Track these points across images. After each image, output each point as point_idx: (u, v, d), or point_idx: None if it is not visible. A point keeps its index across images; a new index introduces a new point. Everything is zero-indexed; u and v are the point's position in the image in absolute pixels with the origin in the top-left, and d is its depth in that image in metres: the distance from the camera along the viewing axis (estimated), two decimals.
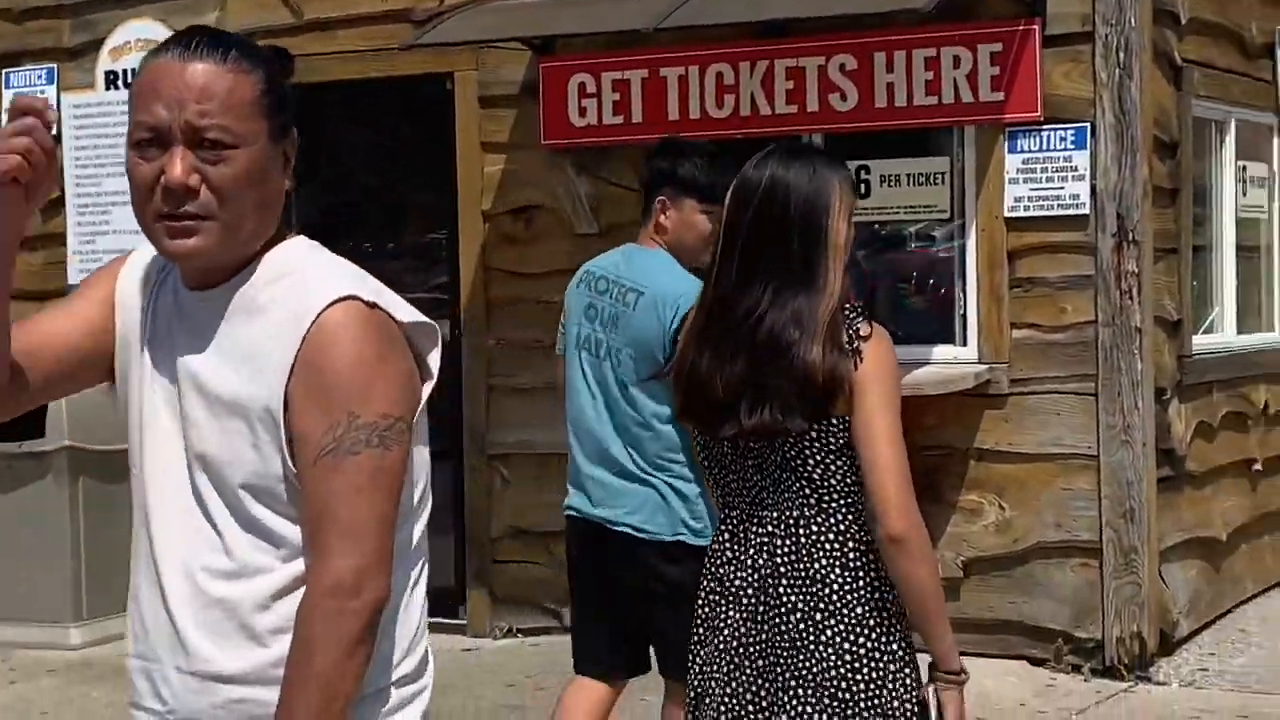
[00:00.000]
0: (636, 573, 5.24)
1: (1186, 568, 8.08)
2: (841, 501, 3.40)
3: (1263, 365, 9.13)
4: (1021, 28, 7.63)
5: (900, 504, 3.28)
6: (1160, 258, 7.84)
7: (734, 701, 3.45)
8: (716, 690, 3.49)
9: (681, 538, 5.14)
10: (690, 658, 3.61)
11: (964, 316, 7.90)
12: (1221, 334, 8.79)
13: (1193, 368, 8.24)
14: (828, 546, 3.39)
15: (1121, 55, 7.52)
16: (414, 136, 9.16)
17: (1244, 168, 8.97)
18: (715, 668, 3.51)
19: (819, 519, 3.40)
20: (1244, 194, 8.98)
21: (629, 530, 5.23)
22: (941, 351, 7.91)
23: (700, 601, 3.60)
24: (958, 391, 7.69)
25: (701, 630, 3.58)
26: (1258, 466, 8.99)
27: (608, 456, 5.32)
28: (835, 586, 3.36)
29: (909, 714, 3.37)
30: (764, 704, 3.41)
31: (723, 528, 3.58)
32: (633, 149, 8.33)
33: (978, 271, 7.84)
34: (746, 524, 3.50)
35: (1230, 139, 8.77)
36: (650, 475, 5.23)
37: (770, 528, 3.44)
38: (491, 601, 8.86)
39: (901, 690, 3.37)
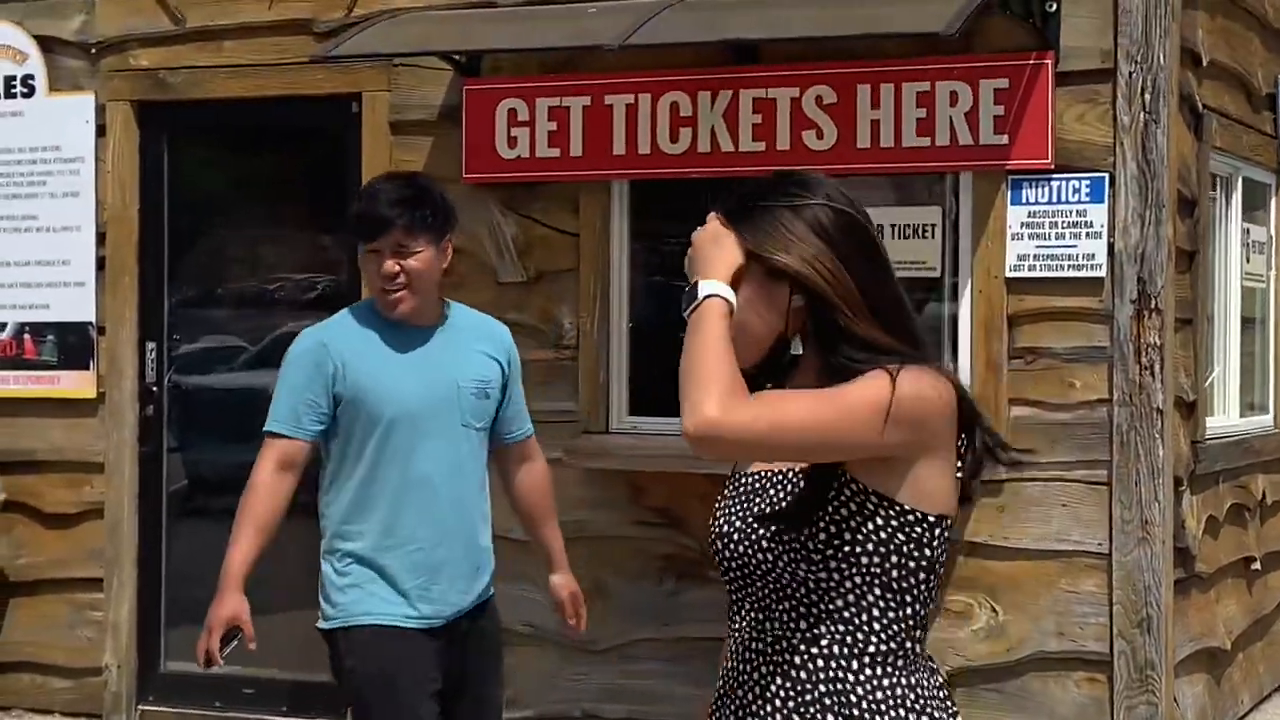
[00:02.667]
0: None
1: (1194, 683, 7.42)
2: None
3: (1262, 452, 8.54)
4: (1032, 62, 6.96)
5: None
6: (1177, 329, 7.15)
7: None
8: None
9: None
10: None
11: None
12: (1225, 416, 8.15)
13: (1206, 454, 7.58)
14: None
15: (1147, 98, 6.86)
16: (313, 164, 8.43)
17: (1247, 230, 8.40)
18: None
19: None
20: (1247, 260, 8.40)
21: None
22: None
23: None
24: None
25: None
26: (1256, 565, 8.40)
27: None
28: None
29: None
30: None
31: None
32: (570, 186, 7.73)
33: (972, 338, 7.13)
34: None
35: (1237, 197, 8.22)
36: None
37: None
38: None
39: None
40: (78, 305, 8.43)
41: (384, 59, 7.76)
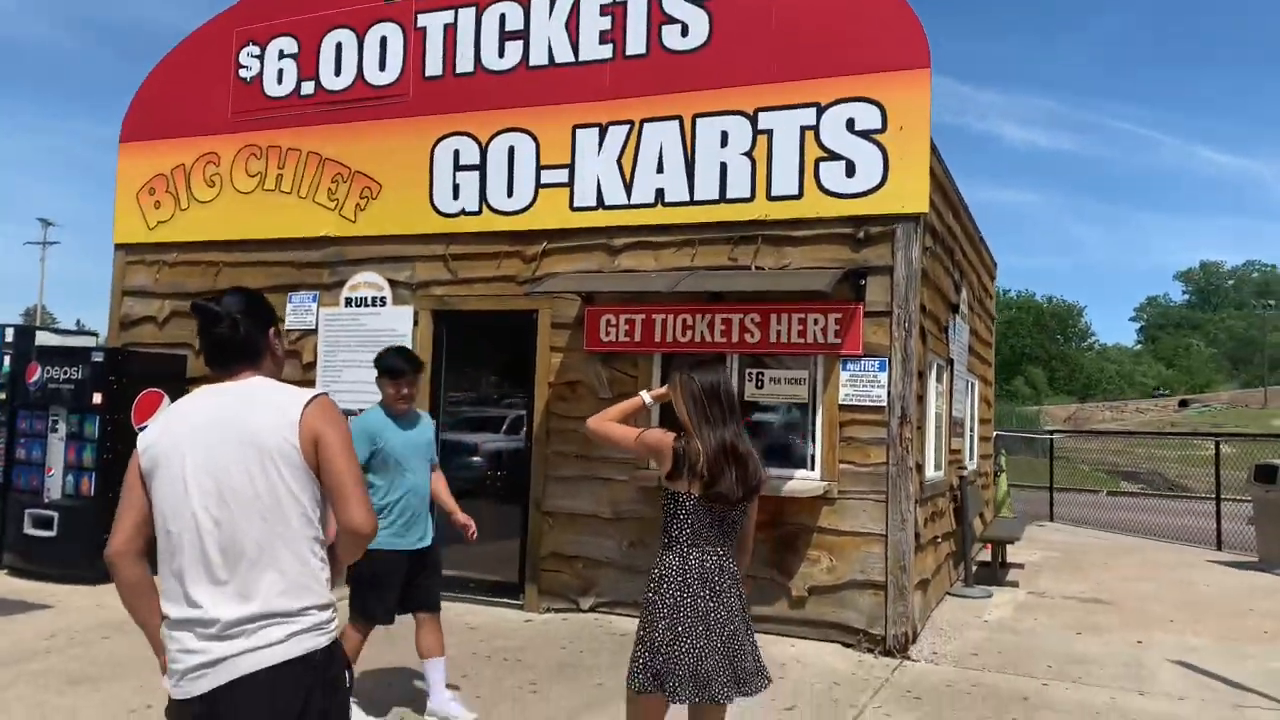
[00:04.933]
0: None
1: (919, 596, 6.98)
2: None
3: (940, 488, 8.10)
4: (853, 306, 6.67)
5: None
6: (916, 430, 6.78)
7: (720, 629, 3.15)
8: (701, 629, 3.12)
9: None
10: (657, 611, 3.21)
11: (813, 456, 6.79)
12: (932, 472, 7.73)
13: (926, 488, 7.25)
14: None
15: (906, 324, 6.60)
16: (516, 341, 7.85)
17: (937, 387, 8.00)
18: (693, 624, 3.13)
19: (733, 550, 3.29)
20: (937, 399, 8.01)
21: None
22: (802, 473, 6.79)
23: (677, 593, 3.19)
24: (810, 496, 6.61)
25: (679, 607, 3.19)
26: (938, 539, 7.98)
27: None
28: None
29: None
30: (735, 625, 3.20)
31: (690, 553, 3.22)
32: (633, 354, 7.31)
33: (823, 432, 6.76)
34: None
35: (934, 371, 7.82)
36: None
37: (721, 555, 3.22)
38: (538, 592, 7.48)
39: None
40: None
41: (549, 295, 7.44)
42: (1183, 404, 56.84)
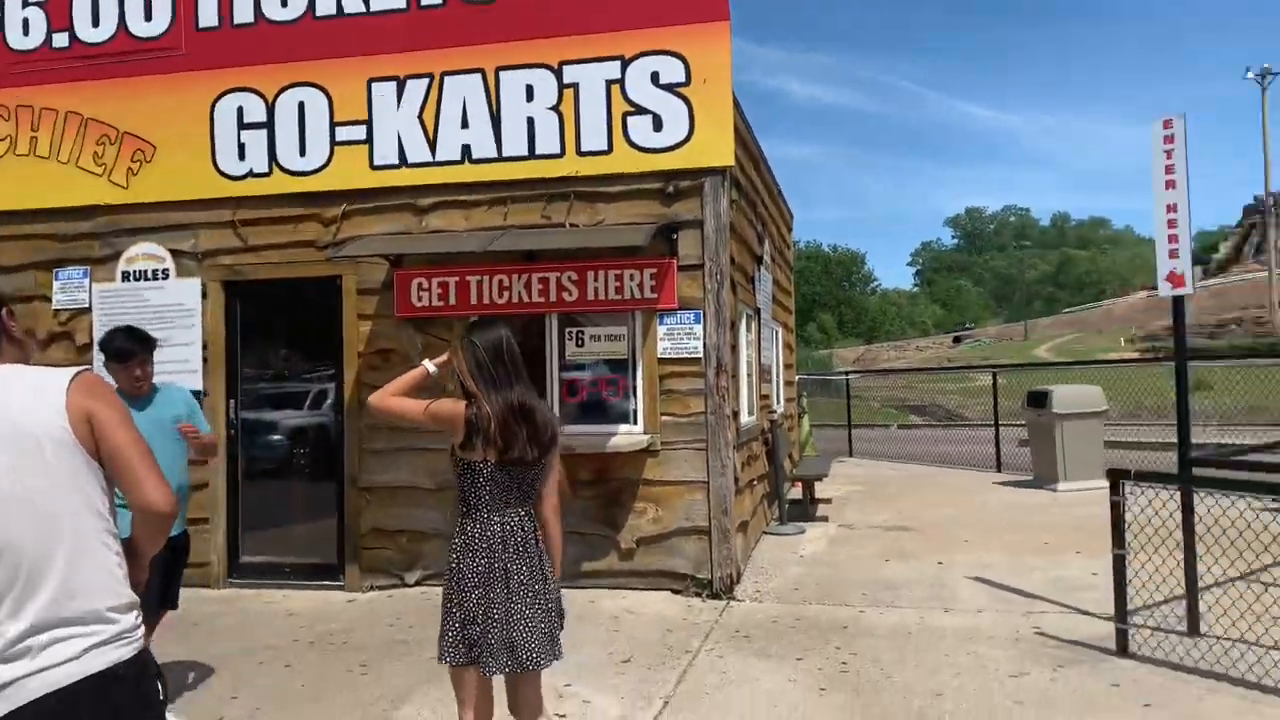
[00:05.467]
0: None
1: (739, 538, 7.15)
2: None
3: (754, 433, 8.35)
4: (667, 261, 6.71)
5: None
6: (731, 379, 6.93)
7: (526, 591, 3.11)
8: (504, 593, 3.08)
9: None
10: (466, 580, 3.13)
11: (635, 410, 6.82)
12: (747, 418, 7.91)
13: (742, 434, 7.44)
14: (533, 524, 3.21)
15: (717, 277, 6.71)
16: (319, 310, 7.43)
17: (740, 335, 8.18)
18: (502, 589, 3.08)
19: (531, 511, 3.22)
20: (748, 348, 8.21)
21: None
22: (625, 428, 6.81)
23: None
24: (635, 450, 6.67)
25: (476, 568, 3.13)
26: (754, 482, 8.24)
27: None
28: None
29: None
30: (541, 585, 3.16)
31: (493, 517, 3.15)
32: (448, 318, 7.08)
33: (644, 386, 6.80)
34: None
35: (744, 321, 7.97)
36: None
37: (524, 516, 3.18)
38: (360, 570, 7.20)
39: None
40: (193, 383, 7.40)
41: (353, 259, 7.09)
42: (956, 340, 61.58)
